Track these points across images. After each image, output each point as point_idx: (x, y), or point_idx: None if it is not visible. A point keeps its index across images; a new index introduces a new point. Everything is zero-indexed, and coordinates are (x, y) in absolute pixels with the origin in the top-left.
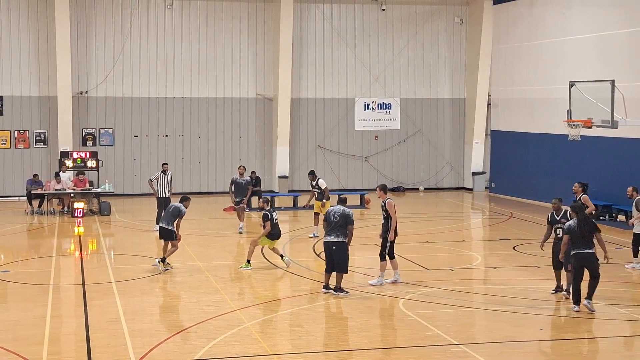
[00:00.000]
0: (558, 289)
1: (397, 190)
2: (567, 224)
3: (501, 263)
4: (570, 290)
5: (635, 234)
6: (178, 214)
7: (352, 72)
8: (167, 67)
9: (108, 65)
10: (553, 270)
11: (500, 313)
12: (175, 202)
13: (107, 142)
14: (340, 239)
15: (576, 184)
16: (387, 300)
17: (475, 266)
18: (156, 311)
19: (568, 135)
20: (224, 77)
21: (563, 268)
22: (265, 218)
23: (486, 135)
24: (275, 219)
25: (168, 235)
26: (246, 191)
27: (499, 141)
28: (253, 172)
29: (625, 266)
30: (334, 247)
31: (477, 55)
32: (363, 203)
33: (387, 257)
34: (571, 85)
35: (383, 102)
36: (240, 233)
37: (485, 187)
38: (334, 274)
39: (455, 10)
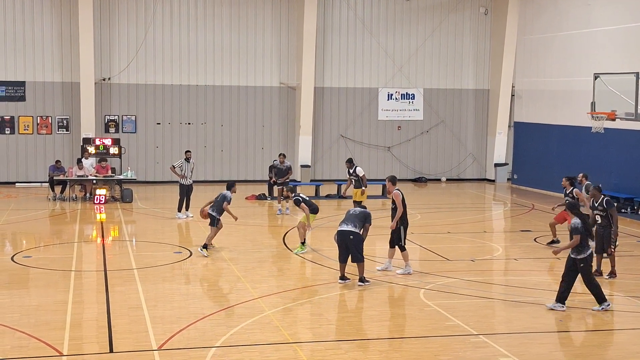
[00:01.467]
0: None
1: (419, 180)
2: (575, 223)
3: (522, 255)
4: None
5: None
6: (224, 200)
7: (376, 61)
8: (190, 54)
9: (131, 52)
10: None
11: (520, 304)
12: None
13: (130, 129)
14: (356, 230)
15: (564, 179)
16: (407, 290)
17: (496, 257)
18: (177, 298)
19: (591, 127)
20: (247, 65)
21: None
22: (298, 202)
23: (509, 126)
24: (307, 198)
25: (213, 222)
26: (286, 174)
27: (522, 133)
28: (275, 161)
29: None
30: (351, 237)
31: (501, 45)
32: (385, 193)
33: (404, 246)
34: (595, 77)
35: (406, 93)
36: (282, 214)
37: (508, 179)
38: (346, 263)
39: (480, 0)
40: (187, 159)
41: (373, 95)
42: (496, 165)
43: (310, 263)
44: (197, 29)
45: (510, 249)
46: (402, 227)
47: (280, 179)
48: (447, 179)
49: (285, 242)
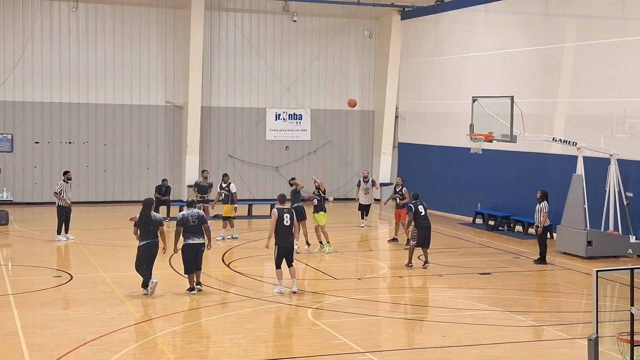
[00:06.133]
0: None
1: (307, 200)
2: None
3: (406, 272)
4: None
5: (360, 204)
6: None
7: (264, 82)
8: (71, 71)
9: (8, 68)
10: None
11: (405, 321)
12: None
13: (6, 148)
14: (203, 240)
15: (398, 179)
16: (295, 309)
17: (382, 275)
18: (57, 324)
19: (470, 148)
20: (132, 84)
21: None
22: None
23: (394, 147)
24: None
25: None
26: (207, 191)
27: (406, 153)
28: (165, 180)
29: (360, 225)
30: (202, 248)
31: (385, 68)
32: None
33: (277, 265)
34: (473, 100)
35: (294, 113)
36: (224, 239)
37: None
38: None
39: (365, 24)
40: (68, 180)
41: (261, 115)
42: (382, 184)
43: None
44: (79, 46)
45: (395, 266)
46: (276, 247)
47: (203, 195)
48: (335, 199)
49: (171, 264)
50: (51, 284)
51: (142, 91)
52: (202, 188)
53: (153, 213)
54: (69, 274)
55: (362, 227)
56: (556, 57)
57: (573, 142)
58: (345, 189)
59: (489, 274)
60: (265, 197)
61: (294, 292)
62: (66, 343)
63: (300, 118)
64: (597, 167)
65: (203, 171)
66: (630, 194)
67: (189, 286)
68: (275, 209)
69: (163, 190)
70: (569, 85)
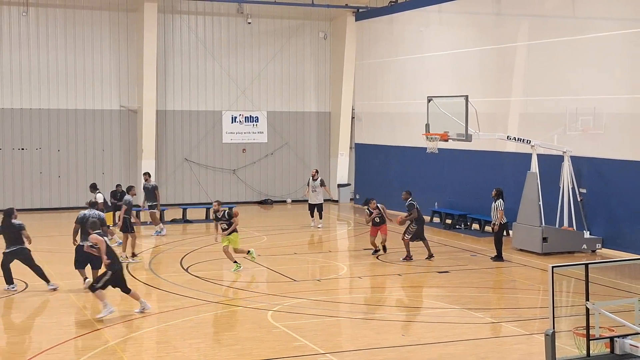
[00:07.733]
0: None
1: (265, 202)
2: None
3: (365, 272)
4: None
5: (310, 204)
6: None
7: (219, 84)
8: (22, 76)
9: None
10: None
11: (365, 321)
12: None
13: None
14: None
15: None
16: (255, 312)
17: (341, 276)
18: (12, 333)
19: (426, 148)
20: (85, 88)
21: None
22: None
23: (351, 148)
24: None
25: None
26: (155, 195)
27: (363, 154)
28: (119, 186)
29: (310, 225)
30: (93, 248)
31: (341, 70)
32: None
33: (96, 286)
34: (429, 100)
35: (250, 115)
36: (159, 235)
37: (350, 199)
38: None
39: (320, 26)
40: None
41: (217, 118)
42: (339, 185)
43: (155, 289)
44: (30, 50)
45: (354, 267)
46: (109, 272)
47: (150, 202)
48: (293, 201)
49: (129, 270)
50: (6, 293)
51: (96, 96)
52: (148, 192)
53: (13, 221)
54: (24, 282)
55: (312, 226)
56: (509, 57)
57: (527, 140)
58: (303, 191)
59: (447, 272)
60: (222, 201)
61: (144, 310)
62: (22, 352)
63: (257, 120)
64: (550, 164)
65: (144, 173)
66: (584, 190)
67: (89, 284)
68: (96, 234)
69: (118, 195)
70: (522, 84)
